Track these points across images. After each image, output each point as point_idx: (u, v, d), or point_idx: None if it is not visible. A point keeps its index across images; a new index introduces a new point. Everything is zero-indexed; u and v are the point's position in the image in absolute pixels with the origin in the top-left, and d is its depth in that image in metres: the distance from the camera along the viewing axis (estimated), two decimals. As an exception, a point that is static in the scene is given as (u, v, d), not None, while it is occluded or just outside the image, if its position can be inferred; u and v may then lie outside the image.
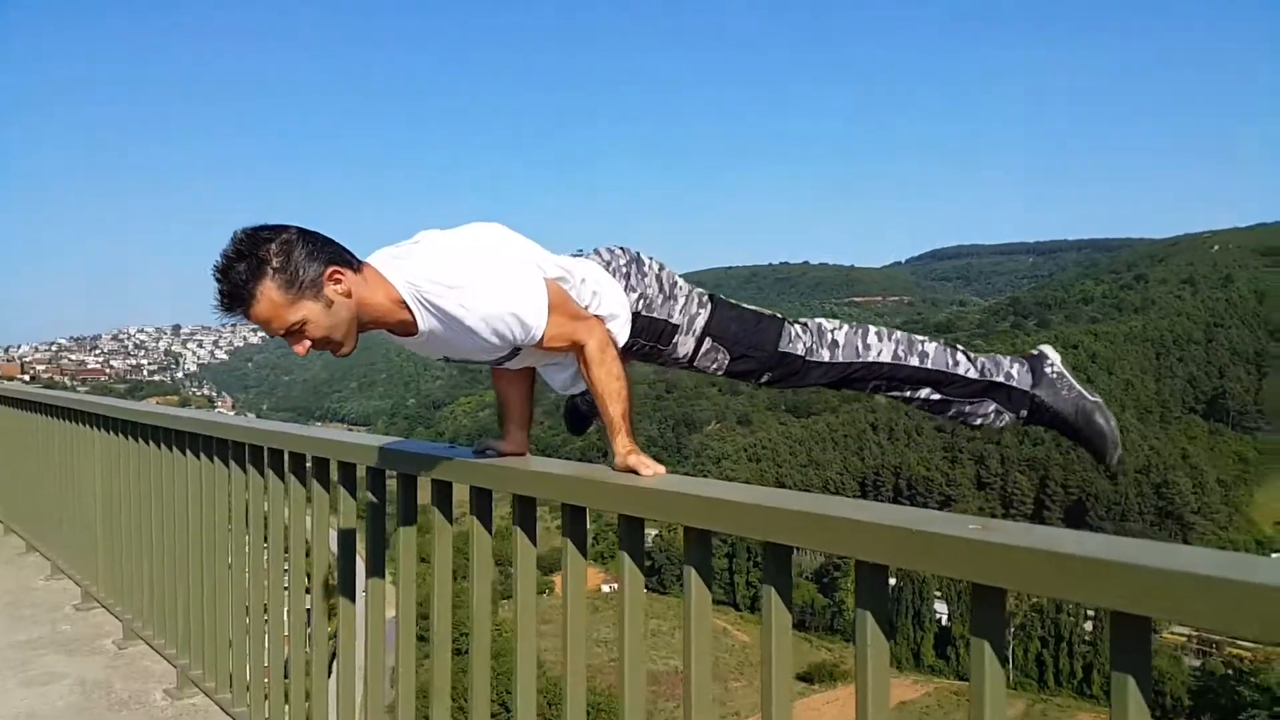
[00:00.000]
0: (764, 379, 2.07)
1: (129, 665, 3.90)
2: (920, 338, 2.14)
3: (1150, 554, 1.07)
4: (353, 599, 2.60)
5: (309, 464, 2.79)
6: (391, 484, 2.38)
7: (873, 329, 2.12)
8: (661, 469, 1.75)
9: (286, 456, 2.91)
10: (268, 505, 3.06)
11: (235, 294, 1.59)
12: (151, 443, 3.81)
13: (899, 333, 2.13)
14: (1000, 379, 2.11)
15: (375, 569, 2.52)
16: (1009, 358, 2.17)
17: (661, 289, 1.99)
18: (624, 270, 1.95)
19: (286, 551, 3.03)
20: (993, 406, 2.12)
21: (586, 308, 1.83)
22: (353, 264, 1.67)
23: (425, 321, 1.69)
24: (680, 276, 2.04)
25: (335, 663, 2.72)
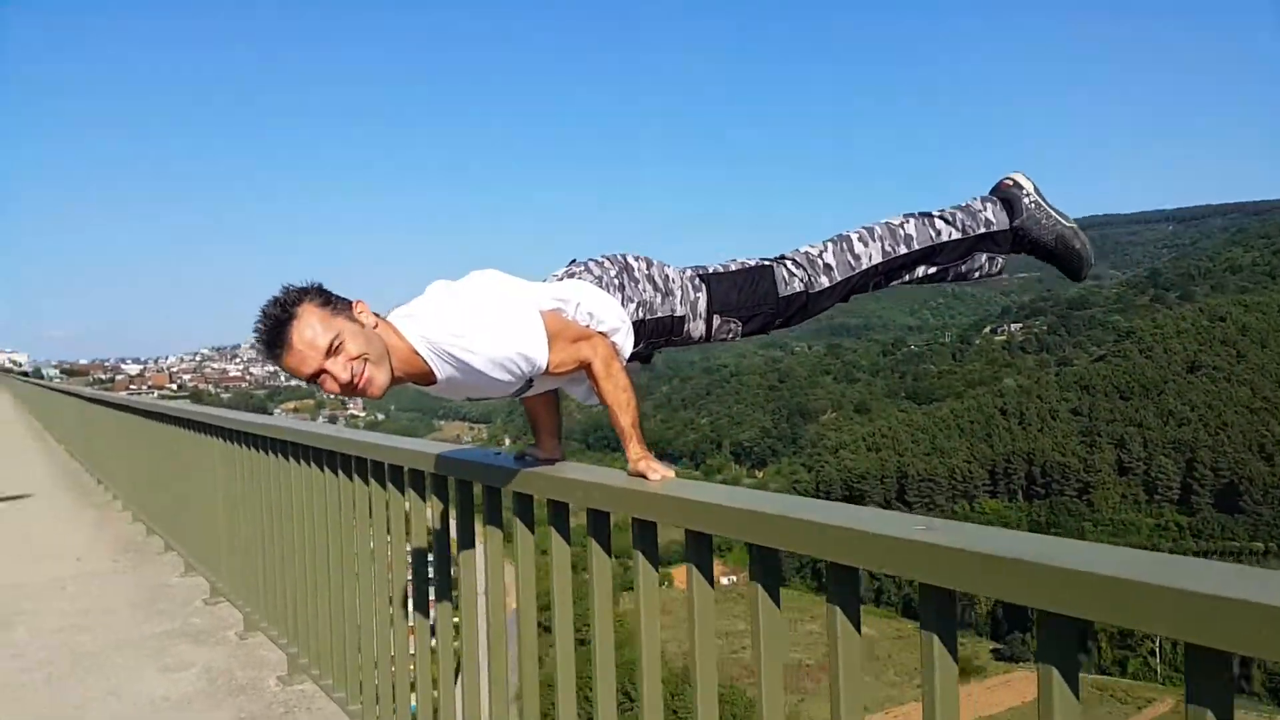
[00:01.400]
0: (778, 324, 2.16)
1: (248, 654, 4.29)
2: (898, 220, 2.18)
3: (1078, 556, 1.14)
4: (427, 601, 2.83)
5: (385, 469, 3.06)
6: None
7: (854, 236, 2.16)
8: (670, 473, 1.88)
9: (369, 464, 3.17)
10: (355, 508, 3.32)
11: (280, 317, 1.75)
12: (262, 451, 4.18)
13: (879, 226, 2.17)
14: (983, 230, 2.15)
15: (445, 571, 2.74)
16: (982, 200, 2.20)
17: (657, 288, 2.06)
18: (616, 282, 2.02)
19: (399, 540, 3.29)
20: (984, 257, 2.18)
21: (587, 328, 1.95)
22: (377, 315, 1.86)
23: (441, 370, 1.83)
24: (670, 266, 2.12)
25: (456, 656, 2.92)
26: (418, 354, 1.82)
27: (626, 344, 2.01)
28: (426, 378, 1.87)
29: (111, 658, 4.32)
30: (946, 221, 2.15)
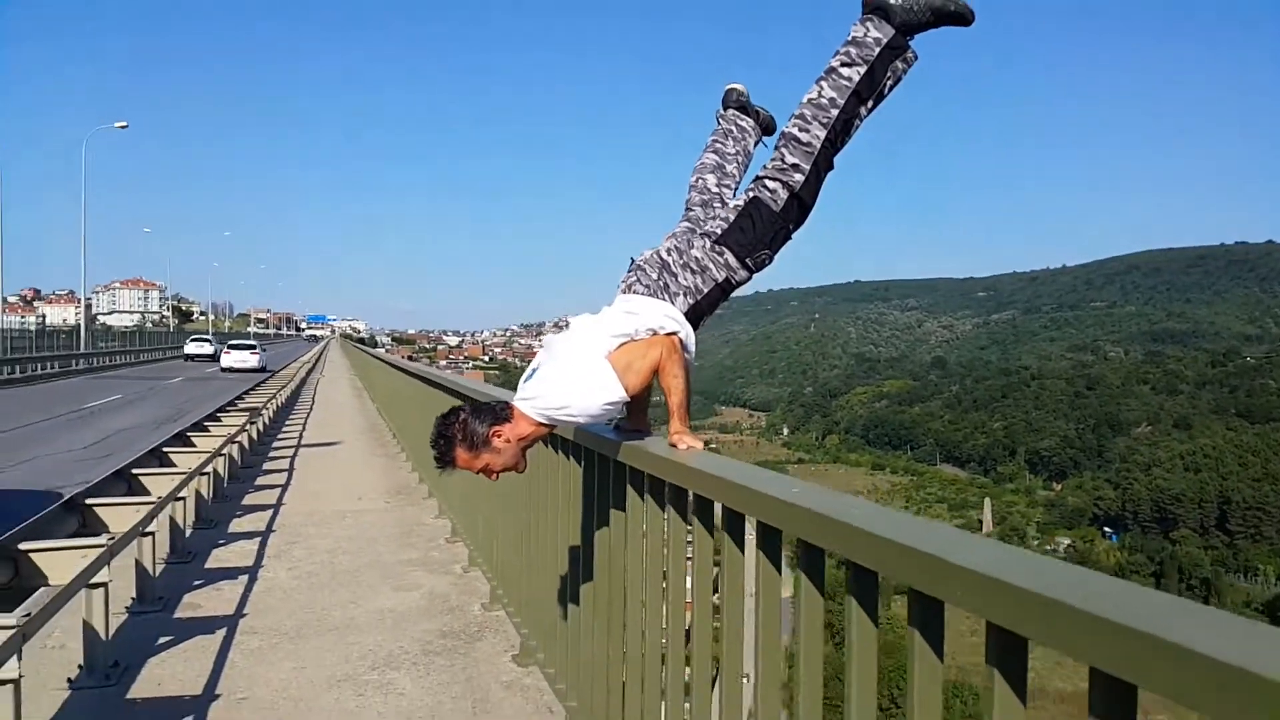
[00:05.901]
0: (793, 228, 2.42)
1: (466, 585, 5.14)
2: (815, 93, 2.34)
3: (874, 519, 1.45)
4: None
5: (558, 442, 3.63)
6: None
7: (795, 130, 2.35)
8: (698, 444, 2.30)
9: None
10: (535, 472, 3.92)
11: (443, 459, 2.37)
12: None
13: (806, 109, 2.34)
14: (878, 50, 2.29)
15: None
16: (861, 23, 2.33)
17: (694, 271, 2.40)
18: (661, 284, 2.40)
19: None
20: (897, 62, 2.32)
21: (652, 336, 2.34)
22: (506, 416, 2.34)
23: (562, 427, 2.46)
24: (695, 245, 2.42)
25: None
26: (544, 425, 2.39)
27: (688, 334, 2.42)
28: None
29: (361, 576, 5.34)
30: (849, 64, 2.32)
